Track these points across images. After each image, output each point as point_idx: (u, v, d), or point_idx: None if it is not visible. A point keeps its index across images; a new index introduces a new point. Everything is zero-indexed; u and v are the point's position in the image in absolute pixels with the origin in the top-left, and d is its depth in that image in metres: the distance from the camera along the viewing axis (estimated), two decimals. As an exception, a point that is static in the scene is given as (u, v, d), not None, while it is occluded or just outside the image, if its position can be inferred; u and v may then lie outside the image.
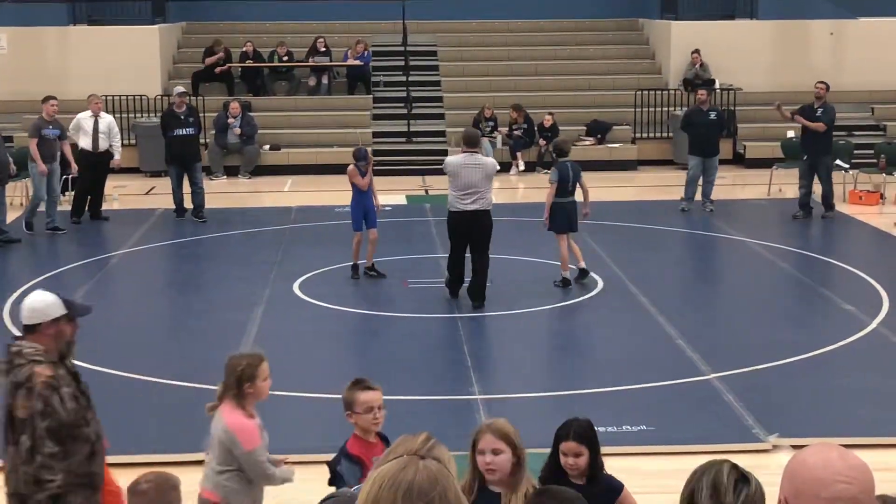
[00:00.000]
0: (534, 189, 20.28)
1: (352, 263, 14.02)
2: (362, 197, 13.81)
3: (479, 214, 12.47)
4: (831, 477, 2.67)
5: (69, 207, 17.93)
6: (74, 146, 18.44)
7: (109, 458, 8.52)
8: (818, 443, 2.83)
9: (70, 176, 18.55)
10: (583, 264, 13.73)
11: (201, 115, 22.16)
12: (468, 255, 12.76)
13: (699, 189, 18.40)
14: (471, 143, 12.72)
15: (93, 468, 5.77)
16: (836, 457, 2.71)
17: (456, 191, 12.47)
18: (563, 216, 13.44)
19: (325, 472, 8.39)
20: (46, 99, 17.25)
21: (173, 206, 18.11)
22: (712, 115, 18.49)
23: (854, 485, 2.67)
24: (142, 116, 22.85)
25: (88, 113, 18.11)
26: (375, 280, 13.94)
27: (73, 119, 18.17)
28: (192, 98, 22.61)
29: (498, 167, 13.04)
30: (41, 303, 5.77)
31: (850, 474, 2.68)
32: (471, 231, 12.52)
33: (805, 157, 17.72)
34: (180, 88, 19.29)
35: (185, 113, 18.34)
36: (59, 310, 5.74)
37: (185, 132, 18.12)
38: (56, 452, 5.60)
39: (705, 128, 18.36)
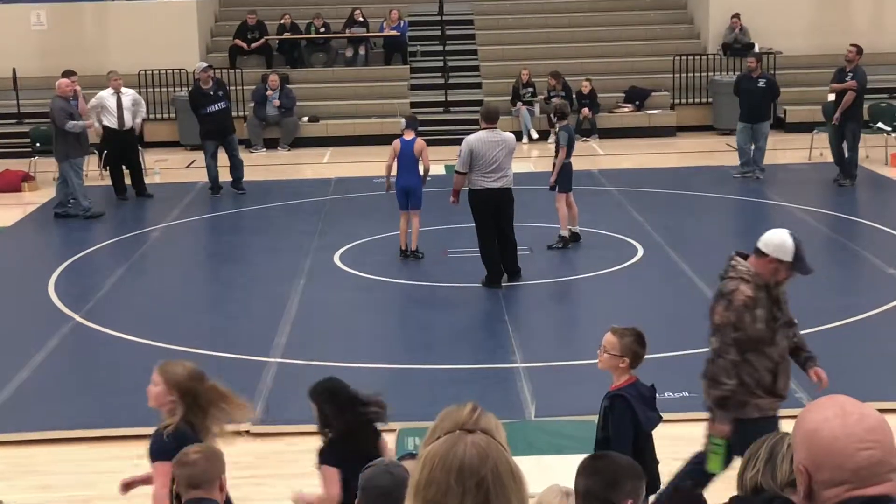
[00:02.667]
0: (572, 157, 20.18)
1: (408, 248, 13.75)
2: None
3: (503, 192, 12.20)
4: (854, 446, 2.54)
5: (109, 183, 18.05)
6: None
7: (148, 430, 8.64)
8: (825, 401, 2.65)
9: (105, 152, 18.56)
10: (577, 228, 13.99)
11: (239, 88, 22.31)
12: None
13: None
14: (490, 119, 12.39)
15: (777, 383, 6.50)
16: (853, 421, 2.57)
17: (480, 168, 12.10)
18: (568, 176, 13.80)
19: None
20: (68, 73, 17.23)
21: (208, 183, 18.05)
22: (761, 83, 18.14)
23: (877, 448, 2.55)
24: (181, 90, 22.88)
25: (110, 91, 17.93)
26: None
27: (95, 99, 17.92)
28: (228, 71, 22.70)
29: (515, 144, 12.72)
30: (778, 241, 6.38)
31: (871, 438, 2.56)
32: (497, 209, 12.23)
33: (834, 122, 17.54)
34: (203, 63, 19.00)
35: (213, 88, 17.99)
36: (785, 255, 6.34)
37: (216, 107, 17.79)
38: (737, 361, 6.39)
39: (752, 95, 18.09)
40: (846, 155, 17.43)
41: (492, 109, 12.84)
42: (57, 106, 16.23)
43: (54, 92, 16.60)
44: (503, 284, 12.29)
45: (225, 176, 18.04)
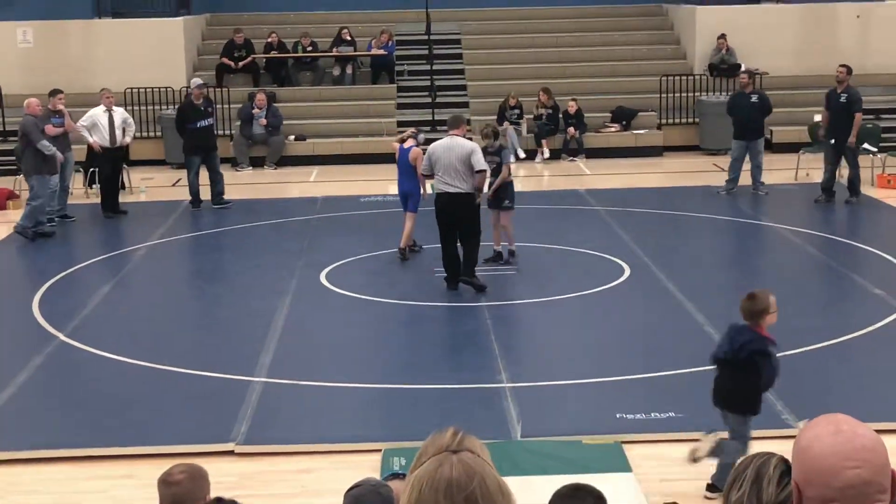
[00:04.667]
0: (559, 177, 20.25)
1: (407, 246, 14.31)
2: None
3: (458, 197, 12.48)
4: (840, 464, 2.52)
5: (97, 200, 18.00)
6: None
7: (139, 450, 8.60)
8: (822, 419, 2.65)
9: (96, 170, 18.53)
10: (500, 247, 14.07)
11: (226, 106, 22.41)
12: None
13: (742, 175, 18.30)
14: (450, 125, 12.93)
15: None
16: (843, 440, 2.55)
17: (438, 173, 12.61)
18: (513, 194, 13.92)
19: (355, 463, 8.45)
20: (54, 92, 17.29)
21: (189, 198, 18.10)
22: (754, 99, 18.36)
23: (865, 468, 2.52)
24: (167, 108, 22.87)
25: (102, 108, 17.92)
26: (402, 268, 13.97)
27: (87, 116, 17.89)
28: (216, 90, 22.73)
29: (471, 150, 12.67)
30: None
31: (859, 457, 2.53)
32: (453, 215, 12.57)
33: (833, 141, 17.59)
34: (198, 80, 19.20)
35: (204, 104, 18.33)
36: None
37: (206, 123, 18.14)
38: None
39: (747, 111, 18.27)
40: (849, 172, 17.49)
41: (454, 117, 13.36)
42: (30, 123, 16.25)
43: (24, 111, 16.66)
44: (492, 303, 12.29)
45: (205, 194, 18.06)
